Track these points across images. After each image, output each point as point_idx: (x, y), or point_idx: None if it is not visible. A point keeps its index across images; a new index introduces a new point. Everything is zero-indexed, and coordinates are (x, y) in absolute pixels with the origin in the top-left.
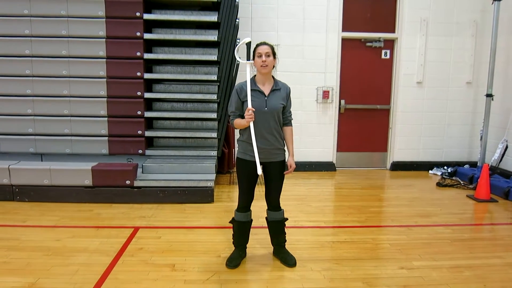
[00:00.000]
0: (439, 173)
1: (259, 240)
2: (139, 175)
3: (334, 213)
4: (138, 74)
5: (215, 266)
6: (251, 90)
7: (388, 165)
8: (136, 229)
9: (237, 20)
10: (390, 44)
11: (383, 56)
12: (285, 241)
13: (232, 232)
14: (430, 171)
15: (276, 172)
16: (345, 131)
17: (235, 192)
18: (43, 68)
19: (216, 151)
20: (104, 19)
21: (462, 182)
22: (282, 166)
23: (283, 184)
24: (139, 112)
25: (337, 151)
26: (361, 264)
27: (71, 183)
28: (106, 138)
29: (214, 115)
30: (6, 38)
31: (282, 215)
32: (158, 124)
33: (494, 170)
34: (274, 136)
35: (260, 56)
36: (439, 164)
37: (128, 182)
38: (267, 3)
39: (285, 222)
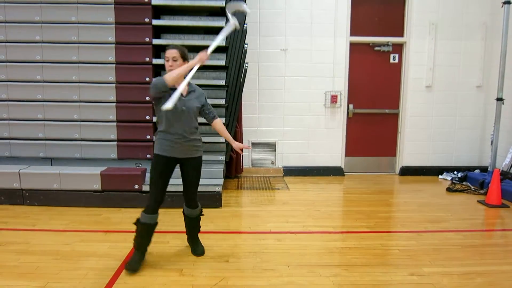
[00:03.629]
0: (449, 178)
1: (266, 245)
2: (148, 179)
3: (342, 218)
4: (147, 79)
5: (223, 271)
6: (170, 90)
7: (397, 170)
8: None
9: (245, 25)
10: (398, 48)
11: (391, 60)
12: (198, 231)
13: (135, 234)
14: (439, 176)
15: (191, 169)
16: (354, 135)
17: (243, 197)
18: (53, 74)
19: (224, 156)
20: (113, 25)
21: (472, 187)
22: (198, 163)
23: (292, 189)
24: (147, 117)
25: (346, 155)
26: (370, 270)
27: (80, 187)
28: (115, 142)
29: (222, 120)
30: (17, 44)
31: (198, 212)
32: None
33: (505, 175)
34: (192, 133)
35: (168, 60)
36: (449, 169)
37: (136, 186)
38: (275, 8)
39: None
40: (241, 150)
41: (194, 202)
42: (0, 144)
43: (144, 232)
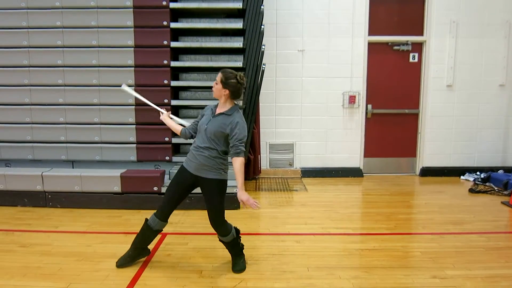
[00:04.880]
0: (472, 179)
1: (285, 246)
2: (167, 181)
3: (362, 220)
4: (165, 82)
5: (242, 273)
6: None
7: (418, 171)
8: (163, 235)
9: (262, 26)
10: (418, 47)
11: (411, 60)
12: (237, 252)
13: (139, 231)
14: (461, 177)
15: (204, 190)
16: (372, 136)
17: (261, 198)
18: (74, 78)
19: None
20: (132, 29)
21: (496, 188)
22: (211, 185)
23: (310, 191)
24: None
25: (364, 156)
26: (391, 272)
27: (101, 189)
28: (134, 145)
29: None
30: (40, 49)
31: (229, 239)
32: None
33: None
34: (204, 156)
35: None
36: (471, 170)
37: (155, 188)
38: (292, 9)
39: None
40: (245, 204)
41: (217, 228)
42: (23, 147)
43: (149, 234)
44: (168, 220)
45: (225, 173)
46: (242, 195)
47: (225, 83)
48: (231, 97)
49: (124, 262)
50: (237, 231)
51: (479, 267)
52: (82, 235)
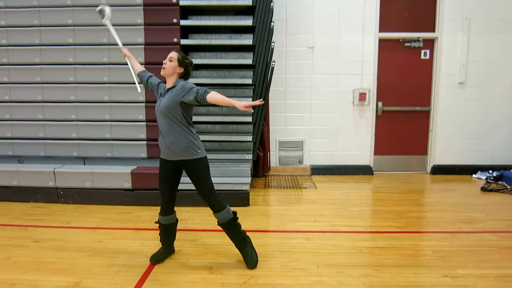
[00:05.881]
0: (484, 177)
1: (295, 244)
2: None
3: (372, 218)
4: None
5: (252, 270)
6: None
7: (429, 169)
8: None
9: (272, 23)
10: (429, 44)
11: (422, 57)
12: (242, 240)
13: (159, 231)
14: (473, 175)
15: (189, 173)
16: (383, 134)
17: (270, 195)
18: (85, 75)
19: (251, 155)
20: (142, 26)
21: (508, 187)
22: (193, 166)
23: (319, 188)
24: None
25: (375, 154)
26: (402, 271)
27: (112, 186)
28: (145, 142)
29: (249, 119)
30: (51, 47)
31: (226, 214)
32: None
33: None
34: (172, 135)
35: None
36: (484, 168)
37: None
38: (302, 6)
39: (236, 221)
40: (249, 108)
41: (213, 205)
42: (35, 144)
43: (164, 231)
44: (178, 217)
45: (201, 151)
46: (240, 103)
47: (181, 62)
48: (183, 76)
49: (161, 257)
50: (234, 213)
51: (491, 267)
52: (94, 231)
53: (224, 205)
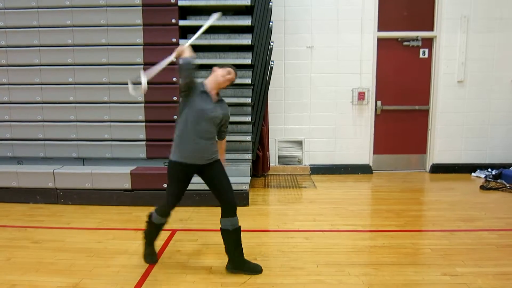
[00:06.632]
0: (483, 176)
1: (294, 243)
2: None
3: (371, 217)
4: (174, 79)
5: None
6: (201, 92)
7: (428, 168)
8: (173, 232)
9: (270, 23)
10: (428, 42)
11: (421, 55)
12: (241, 255)
13: (147, 231)
14: (472, 174)
15: (215, 172)
16: (382, 132)
17: (270, 195)
18: (84, 76)
19: (250, 154)
20: (141, 27)
21: (507, 185)
22: (218, 165)
23: (319, 187)
24: (175, 117)
25: (374, 153)
26: (401, 269)
27: (111, 186)
28: (144, 142)
29: (248, 119)
30: (50, 48)
31: (237, 220)
32: None
33: None
34: (211, 143)
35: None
36: (483, 166)
37: (165, 185)
38: (301, 5)
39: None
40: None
41: (232, 205)
42: (35, 145)
43: (158, 231)
44: (178, 217)
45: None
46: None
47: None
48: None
49: (156, 257)
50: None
51: (491, 264)
52: (93, 232)
53: None
